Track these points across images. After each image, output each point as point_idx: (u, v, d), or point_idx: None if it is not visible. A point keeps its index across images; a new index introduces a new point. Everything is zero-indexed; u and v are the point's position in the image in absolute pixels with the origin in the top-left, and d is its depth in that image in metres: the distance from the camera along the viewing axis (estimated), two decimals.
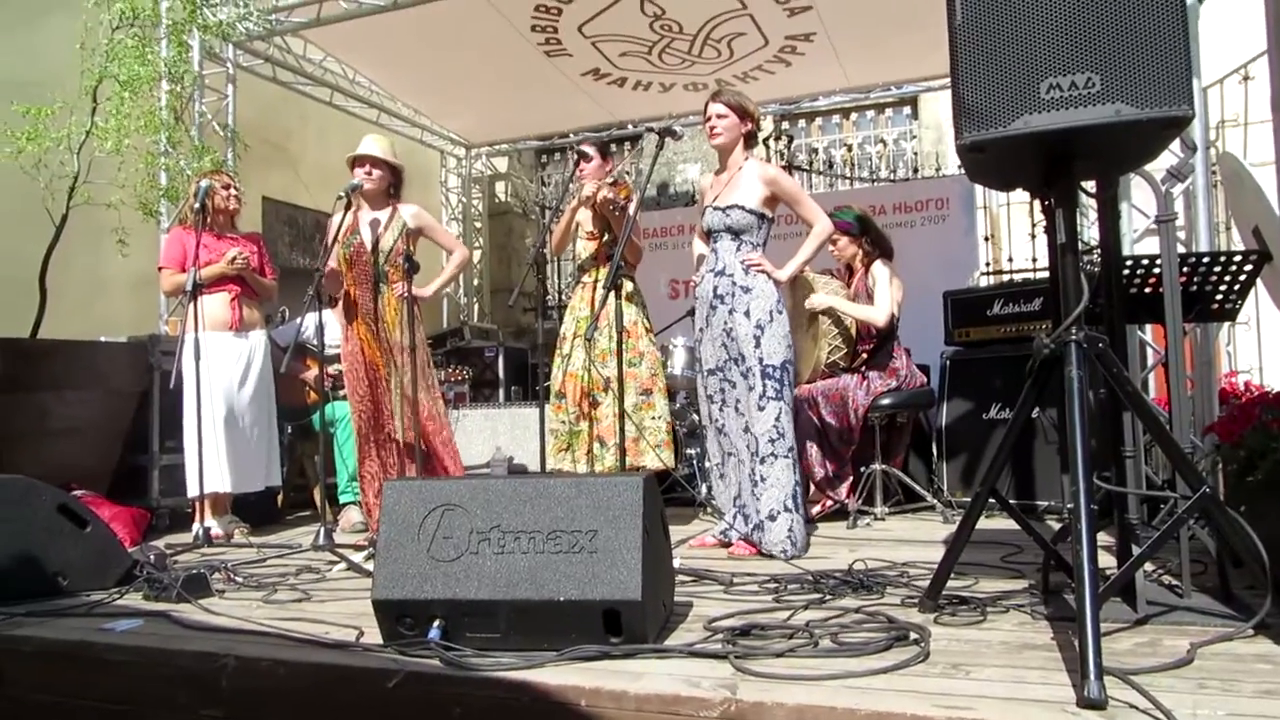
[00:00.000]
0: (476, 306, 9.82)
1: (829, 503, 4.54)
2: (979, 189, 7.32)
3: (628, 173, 7.46)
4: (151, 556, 3.43)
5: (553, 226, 4.59)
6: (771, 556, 3.50)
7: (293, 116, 7.81)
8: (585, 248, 4.52)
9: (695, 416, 5.37)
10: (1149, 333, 4.21)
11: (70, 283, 5.69)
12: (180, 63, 5.93)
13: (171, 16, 5.93)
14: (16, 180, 5.04)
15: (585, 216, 4.51)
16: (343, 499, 5.04)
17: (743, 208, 3.70)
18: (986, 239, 8.04)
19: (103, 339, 5.13)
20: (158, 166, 5.82)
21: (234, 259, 4.61)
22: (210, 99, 6.48)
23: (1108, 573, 2.29)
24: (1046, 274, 2.86)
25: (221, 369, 4.58)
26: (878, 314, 4.49)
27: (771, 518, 3.55)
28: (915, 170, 8.97)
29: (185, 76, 6.03)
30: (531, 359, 7.86)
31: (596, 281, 4.40)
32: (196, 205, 4.52)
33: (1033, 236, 7.71)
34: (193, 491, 4.46)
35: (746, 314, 3.64)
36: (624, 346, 3.92)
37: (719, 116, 3.76)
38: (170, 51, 5.87)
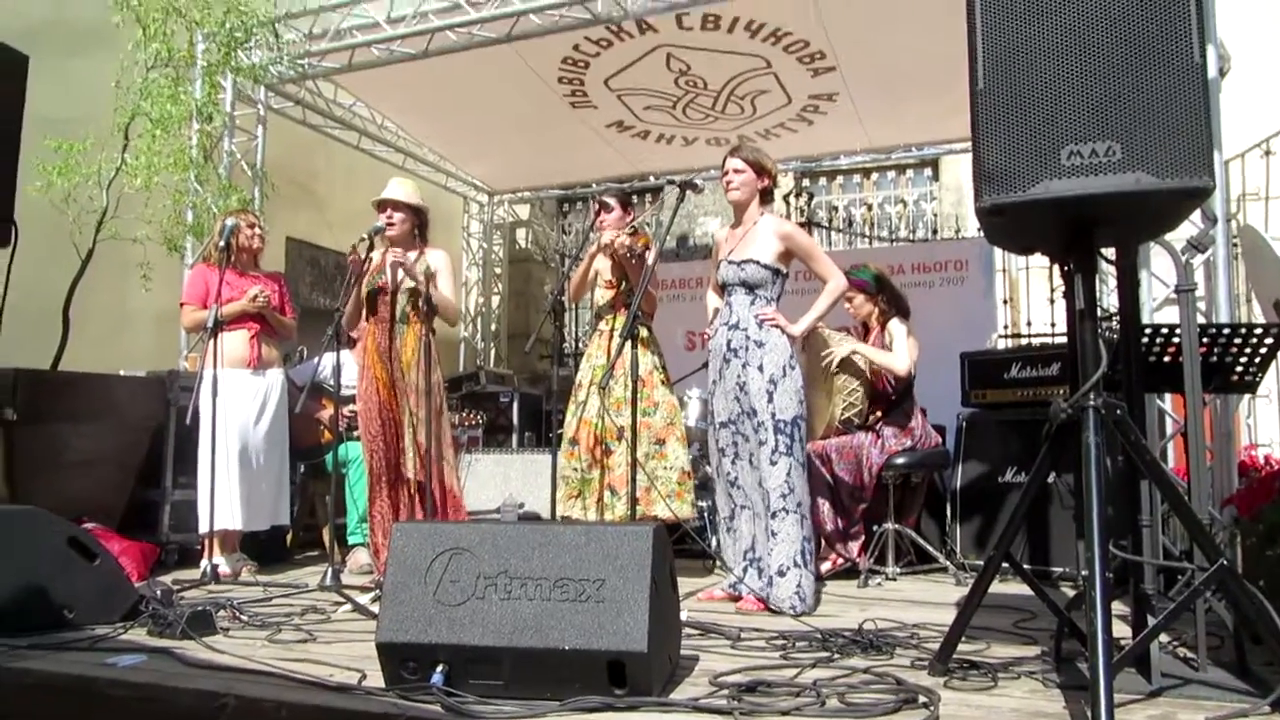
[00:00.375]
0: (493, 351, 9.87)
1: (840, 560, 4.50)
2: (998, 252, 7.34)
3: (648, 224, 7.54)
4: (158, 592, 3.44)
5: (571, 274, 4.64)
6: (780, 612, 3.48)
7: (320, 159, 7.95)
8: (603, 295, 4.55)
9: (708, 468, 5.35)
10: (1168, 402, 4.19)
11: (94, 316, 5.77)
12: (211, 103, 6.06)
13: (206, 58, 6.08)
14: (45, 214, 5.13)
15: (604, 265, 4.55)
16: (351, 540, 5.04)
17: (757, 262, 3.75)
18: (1005, 302, 8.05)
19: (122, 373, 5.19)
20: (185, 204, 5.92)
21: (255, 296, 4.67)
22: (240, 139, 6.60)
23: (1122, 643, 2.26)
24: (1065, 339, 2.86)
25: (237, 406, 4.62)
26: (898, 361, 4.49)
27: (781, 573, 3.55)
28: (934, 231, 9.01)
29: (216, 116, 6.16)
30: (546, 405, 7.87)
31: (613, 330, 4.43)
32: (221, 243, 4.60)
33: (1052, 301, 7.72)
34: (204, 528, 4.48)
35: (760, 368, 3.67)
36: (639, 395, 3.94)
37: (736, 171, 3.84)
38: (203, 92, 6.01)
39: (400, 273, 4.31)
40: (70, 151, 5.34)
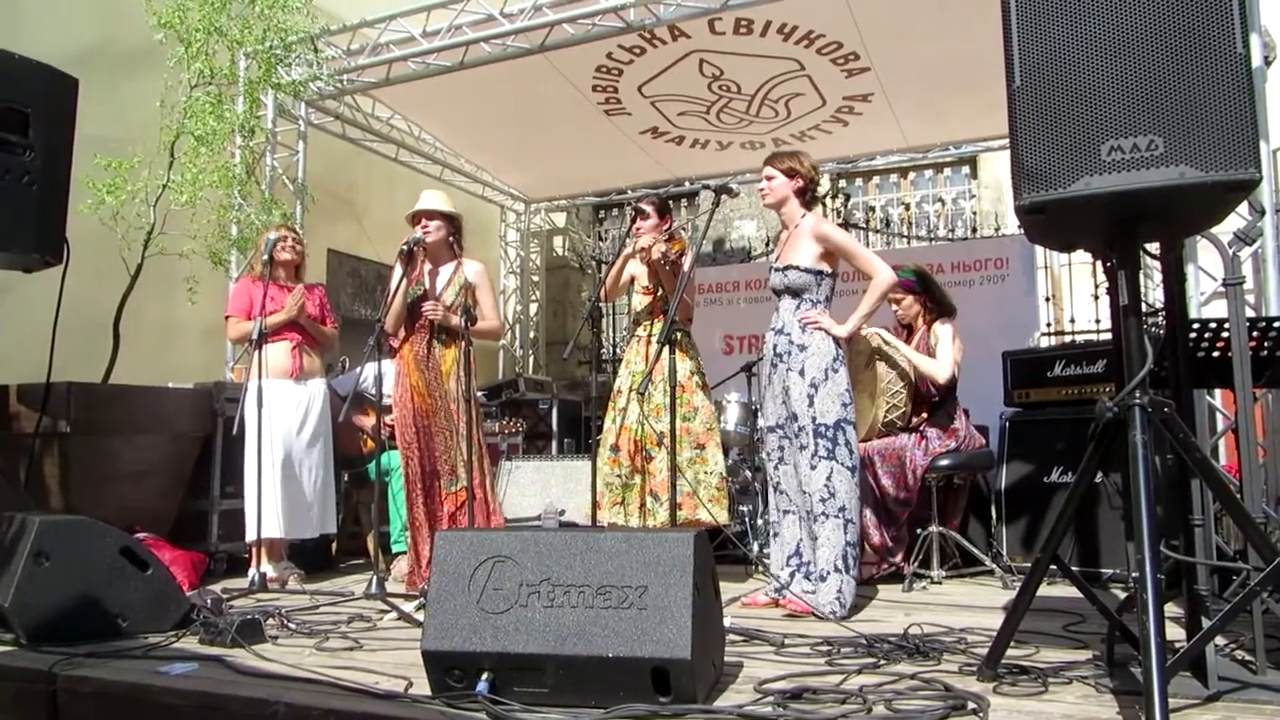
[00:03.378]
0: (531, 359, 9.91)
1: (884, 565, 4.47)
2: (1040, 249, 7.24)
3: (684, 229, 7.54)
4: (208, 600, 3.49)
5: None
6: (822, 617, 3.46)
7: (359, 171, 8.04)
8: (640, 301, 4.57)
9: (748, 473, 5.34)
10: (1218, 398, 4.10)
11: (143, 330, 5.88)
12: (253, 119, 6.15)
13: (248, 76, 6.18)
14: (96, 231, 5.24)
15: (641, 271, 4.56)
16: (395, 548, 5.09)
17: (798, 267, 3.76)
18: (1048, 299, 7.93)
19: (171, 385, 5.28)
20: (229, 219, 6.01)
21: (298, 300, 4.72)
22: (281, 154, 6.70)
23: (1177, 646, 2.21)
24: (1110, 335, 2.81)
25: (281, 416, 4.68)
26: (940, 368, 4.45)
27: (822, 577, 3.55)
28: (974, 230, 8.91)
29: (258, 132, 6.26)
30: (585, 412, 7.88)
31: (651, 335, 4.44)
32: (265, 256, 4.68)
33: (1095, 297, 7.59)
34: (250, 536, 4.54)
35: (801, 372, 3.68)
36: (678, 401, 3.94)
37: (767, 179, 3.90)
38: (245, 108, 6.10)
39: (442, 284, 4.37)
40: (119, 170, 5.45)
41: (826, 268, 3.79)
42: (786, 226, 3.92)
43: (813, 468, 3.60)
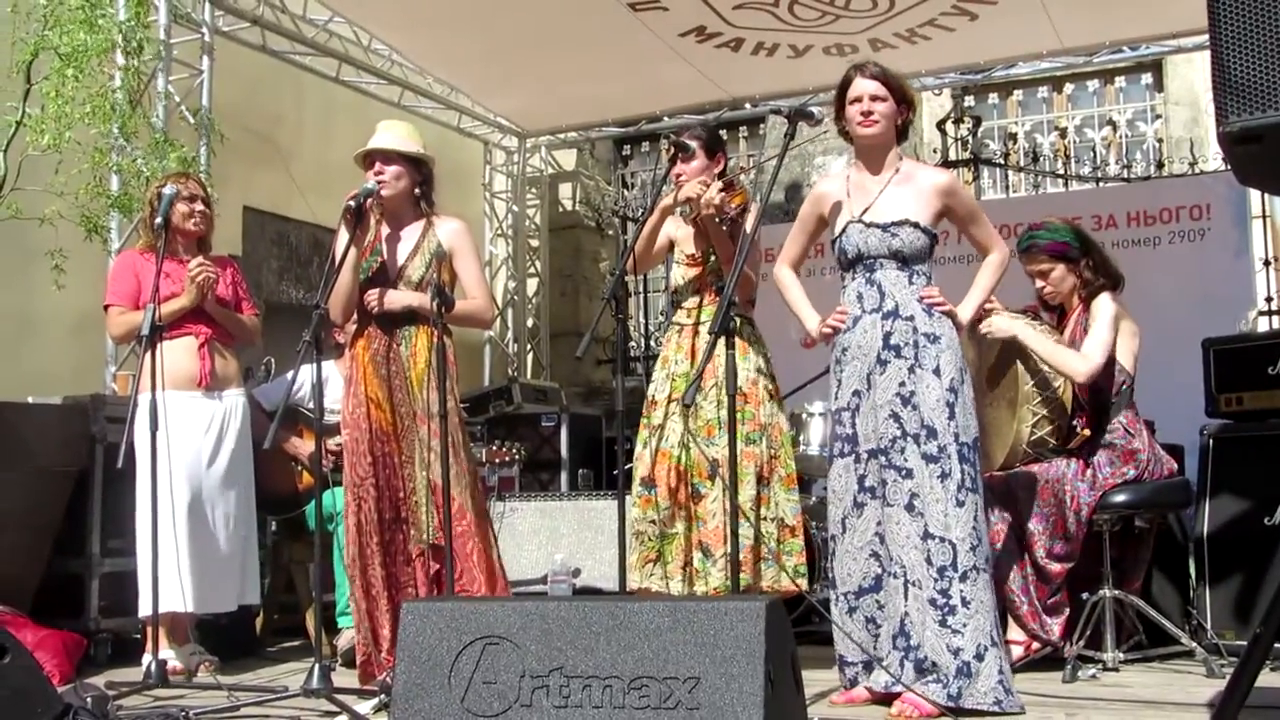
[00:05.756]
0: (531, 357, 9.92)
1: (1035, 645, 4.44)
2: (1256, 192, 7.16)
3: (745, 171, 7.53)
4: (88, 699, 3.52)
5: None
6: (979, 714, 3.45)
7: (286, 99, 8.09)
8: (683, 274, 4.56)
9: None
10: None
11: None
12: (140, 28, 6.20)
13: None
14: None
15: (685, 233, 4.56)
16: (343, 623, 5.11)
17: (916, 225, 3.76)
18: (1267, 264, 7.85)
19: (30, 400, 5.32)
20: (108, 167, 6.06)
21: (197, 275, 4.72)
22: (179, 76, 6.74)
23: None
24: None
25: (185, 442, 4.71)
26: (1076, 362, 4.36)
27: (979, 656, 3.53)
28: (1159, 165, 8.83)
29: (146, 46, 6.30)
30: (607, 431, 7.90)
31: (699, 322, 4.43)
32: (158, 220, 4.68)
33: None
34: (144, 610, 4.58)
35: (936, 371, 3.68)
36: (739, 415, 3.93)
37: (874, 98, 3.82)
38: (128, 13, 6.15)
39: (404, 250, 4.38)
40: None
41: (938, 233, 3.87)
42: (870, 169, 3.91)
43: (959, 504, 3.60)
